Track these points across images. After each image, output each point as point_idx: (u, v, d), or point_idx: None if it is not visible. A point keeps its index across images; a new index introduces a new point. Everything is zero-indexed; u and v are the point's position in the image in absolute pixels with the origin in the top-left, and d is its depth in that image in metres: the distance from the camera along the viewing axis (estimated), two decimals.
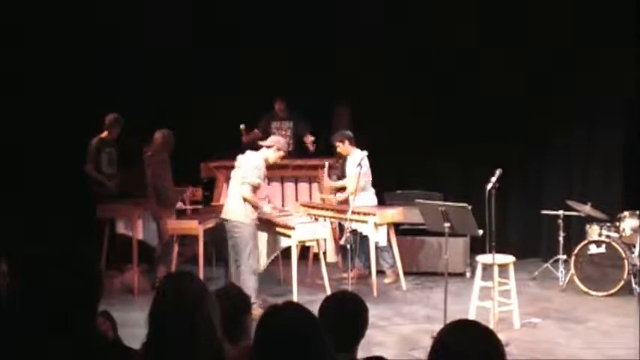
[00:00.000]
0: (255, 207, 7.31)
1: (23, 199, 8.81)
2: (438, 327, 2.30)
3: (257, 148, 7.63)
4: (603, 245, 8.03)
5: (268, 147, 7.47)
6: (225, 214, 7.39)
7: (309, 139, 9.76)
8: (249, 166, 7.28)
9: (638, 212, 8.08)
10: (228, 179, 8.10)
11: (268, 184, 8.94)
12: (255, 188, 7.28)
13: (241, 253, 7.23)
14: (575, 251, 8.13)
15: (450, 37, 9.55)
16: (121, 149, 9.08)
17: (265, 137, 9.26)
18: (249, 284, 7.04)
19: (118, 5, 9.62)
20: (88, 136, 8.83)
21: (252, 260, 7.26)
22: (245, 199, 7.23)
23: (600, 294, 7.96)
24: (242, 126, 9.61)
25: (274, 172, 8.84)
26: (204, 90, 9.99)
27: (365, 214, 8.11)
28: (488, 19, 9.46)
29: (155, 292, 2.67)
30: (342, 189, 8.70)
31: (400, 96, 9.86)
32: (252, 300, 6.58)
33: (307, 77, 9.92)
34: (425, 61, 9.72)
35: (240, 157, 7.43)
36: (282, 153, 7.52)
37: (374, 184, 8.57)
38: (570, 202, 8.46)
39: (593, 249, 8.06)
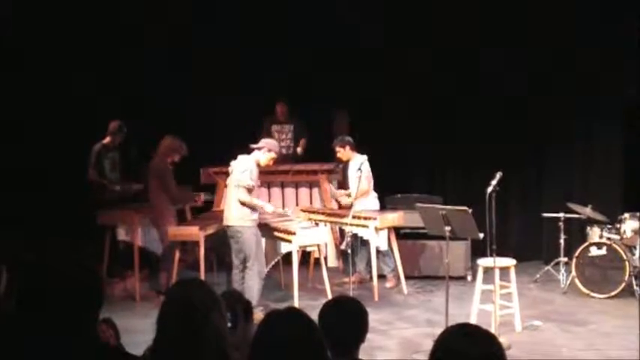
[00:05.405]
0: (254, 208, 7.32)
1: (24, 206, 8.80)
2: (439, 331, 2.29)
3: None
4: (604, 247, 8.02)
5: (258, 149, 7.45)
6: (226, 220, 7.40)
7: (300, 143, 9.78)
8: (240, 169, 7.29)
9: (638, 214, 8.07)
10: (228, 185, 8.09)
11: (269, 188, 8.95)
12: (249, 190, 7.29)
13: (248, 256, 7.26)
14: (576, 253, 8.12)
15: (450, 37, 9.55)
16: (123, 155, 9.06)
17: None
18: (254, 287, 7.13)
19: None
20: (90, 142, 8.79)
21: (258, 263, 7.29)
22: (242, 203, 7.24)
23: (601, 296, 7.95)
24: None
25: (275, 177, 8.85)
26: (203, 91, 9.97)
27: (366, 218, 8.10)
28: (488, 19, 9.47)
29: (164, 298, 2.68)
30: (348, 196, 8.70)
31: (400, 97, 9.87)
32: (254, 304, 6.63)
33: (307, 78, 9.93)
34: (425, 62, 9.72)
35: (233, 163, 7.43)
36: (273, 154, 7.46)
37: (375, 188, 8.58)
38: (571, 205, 8.45)
39: (594, 251, 8.06)
